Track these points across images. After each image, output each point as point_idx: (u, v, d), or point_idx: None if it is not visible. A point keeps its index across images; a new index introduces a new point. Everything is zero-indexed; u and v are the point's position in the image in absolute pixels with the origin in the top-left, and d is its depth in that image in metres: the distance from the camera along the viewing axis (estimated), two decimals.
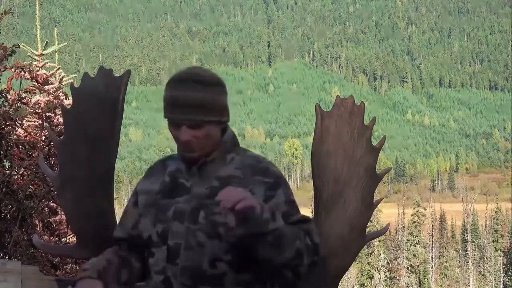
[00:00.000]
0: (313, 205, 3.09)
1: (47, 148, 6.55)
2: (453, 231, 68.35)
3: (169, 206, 2.25)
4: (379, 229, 4.20)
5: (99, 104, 2.85)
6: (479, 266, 62.52)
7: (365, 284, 54.64)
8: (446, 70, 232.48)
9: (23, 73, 6.63)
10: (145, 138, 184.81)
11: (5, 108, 6.08)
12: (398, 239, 58.05)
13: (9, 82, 6.44)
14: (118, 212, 2.77)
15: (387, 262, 55.86)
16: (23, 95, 6.65)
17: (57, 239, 6.58)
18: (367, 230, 3.05)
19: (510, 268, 57.87)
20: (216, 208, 2.14)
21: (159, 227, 2.23)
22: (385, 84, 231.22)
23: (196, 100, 2.17)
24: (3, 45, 6.14)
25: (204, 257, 2.18)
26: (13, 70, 6.46)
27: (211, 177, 2.26)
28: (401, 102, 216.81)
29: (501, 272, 59.46)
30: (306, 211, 77.30)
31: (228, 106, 2.30)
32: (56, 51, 7.84)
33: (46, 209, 6.46)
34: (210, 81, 2.22)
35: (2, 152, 5.95)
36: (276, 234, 2.08)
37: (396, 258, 56.98)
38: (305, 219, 2.24)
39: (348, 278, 53.59)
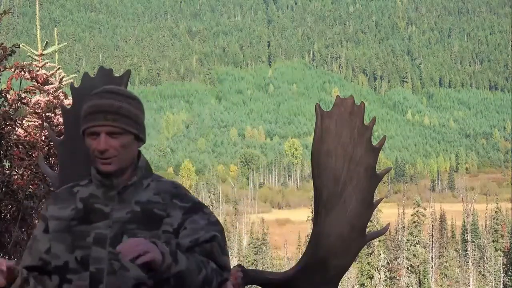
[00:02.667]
0: (313, 205, 3.09)
1: (47, 148, 6.55)
2: (453, 231, 68.32)
3: (87, 232, 2.26)
4: (379, 229, 4.21)
5: None
6: (479, 266, 62.49)
7: (365, 284, 54.62)
8: (446, 70, 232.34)
9: (23, 73, 6.62)
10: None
11: (5, 108, 6.07)
12: (398, 239, 58.03)
13: (9, 82, 6.43)
14: None
15: (387, 262, 55.84)
16: (23, 95, 6.65)
17: None
18: (367, 230, 3.05)
19: (510, 268, 57.83)
20: (140, 232, 2.23)
21: (78, 253, 2.24)
22: (385, 84, 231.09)
23: (117, 107, 2.25)
24: (3, 45, 6.13)
25: (128, 281, 2.21)
26: (13, 70, 6.45)
27: (131, 202, 2.29)
28: (401, 102, 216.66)
29: (501, 272, 59.43)
30: (306, 211, 77.35)
31: (145, 128, 2.39)
32: (56, 51, 7.84)
33: None
34: (129, 94, 2.32)
35: (2, 152, 5.94)
36: (178, 276, 2.11)
37: (396, 258, 56.95)
38: (210, 238, 2.27)
39: (348, 278, 53.58)
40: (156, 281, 2.16)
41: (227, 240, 2.42)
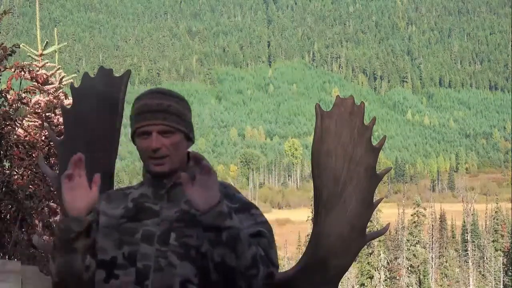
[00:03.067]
0: (313, 205, 3.09)
1: (47, 148, 6.55)
2: (453, 231, 68.36)
3: (136, 229, 2.27)
4: (379, 229, 4.21)
5: (99, 104, 2.85)
6: (479, 266, 62.52)
7: (365, 284, 54.64)
8: (446, 70, 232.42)
9: (23, 73, 6.62)
10: None
11: (5, 108, 6.07)
12: (398, 239, 58.06)
13: (9, 82, 6.43)
14: None
15: (387, 262, 55.86)
16: (23, 95, 6.65)
17: None
18: (367, 230, 3.05)
19: (510, 268, 57.87)
20: (187, 231, 2.21)
21: (126, 249, 2.25)
22: (385, 84, 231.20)
23: (167, 106, 2.28)
24: (3, 45, 6.13)
25: (175, 279, 2.19)
26: (13, 70, 6.45)
27: (180, 201, 2.28)
28: (401, 102, 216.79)
29: (501, 272, 59.47)
30: (306, 211, 77.27)
31: (193, 129, 2.39)
32: (56, 51, 7.85)
33: (46, 209, 6.46)
34: (177, 95, 2.35)
35: (2, 152, 5.94)
36: (231, 233, 2.06)
37: (396, 258, 56.98)
38: (257, 233, 2.23)
39: (348, 278, 53.59)
40: (208, 226, 2.06)
41: None
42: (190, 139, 2.34)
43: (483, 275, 61.35)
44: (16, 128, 6.33)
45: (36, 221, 6.29)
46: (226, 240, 2.06)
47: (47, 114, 6.88)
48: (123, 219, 2.30)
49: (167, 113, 2.26)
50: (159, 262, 2.21)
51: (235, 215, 2.20)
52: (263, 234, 2.24)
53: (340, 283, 3.13)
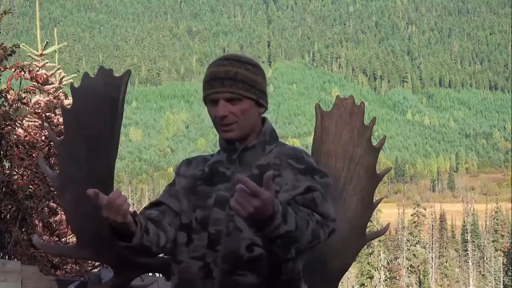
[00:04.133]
0: None
1: (47, 148, 6.54)
2: (453, 231, 68.34)
3: (209, 193, 2.30)
4: (379, 229, 4.21)
5: (99, 104, 2.84)
6: (479, 266, 62.52)
7: (365, 284, 54.62)
8: (446, 70, 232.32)
9: (23, 73, 6.62)
10: (145, 138, 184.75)
11: (5, 108, 6.06)
12: (398, 239, 58.04)
13: (9, 82, 6.42)
14: None
15: (387, 262, 55.84)
16: (23, 95, 6.64)
17: (57, 239, 6.58)
18: (367, 230, 3.05)
19: (510, 268, 57.88)
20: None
21: (199, 213, 2.28)
22: (385, 84, 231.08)
23: (234, 74, 2.29)
24: (3, 45, 6.12)
25: (242, 242, 2.20)
26: (13, 70, 6.44)
27: (252, 166, 2.31)
28: (401, 102, 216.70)
29: (501, 272, 59.46)
30: None
31: (267, 94, 2.43)
32: (56, 51, 7.84)
33: (46, 209, 6.45)
34: (247, 60, 2.35)
35: (2, 152, 5.93)
36: (284, 239, 2.00)
37: (396, 258, 56.96)
38: (310, 187, 2.17)
39: (348, 278, 53.58)
40: (265, 241, 2.06)
41: None
42: (261, 105, 2.38)
43: (483, 275, 61.34)
44: (16, 128, 6.33)
45: (36, 221, 6.29)
46: (281, 244, 2.01)
47: (47, 114, 6.87)
48: (200, 181, 2.35)
49: (234, 80, 2.28)
50: (229, 227, 2.23)
51: (298, 176, 2.21)
52: (313, 188, 2.18)
53: (340, 283, 3.13)
